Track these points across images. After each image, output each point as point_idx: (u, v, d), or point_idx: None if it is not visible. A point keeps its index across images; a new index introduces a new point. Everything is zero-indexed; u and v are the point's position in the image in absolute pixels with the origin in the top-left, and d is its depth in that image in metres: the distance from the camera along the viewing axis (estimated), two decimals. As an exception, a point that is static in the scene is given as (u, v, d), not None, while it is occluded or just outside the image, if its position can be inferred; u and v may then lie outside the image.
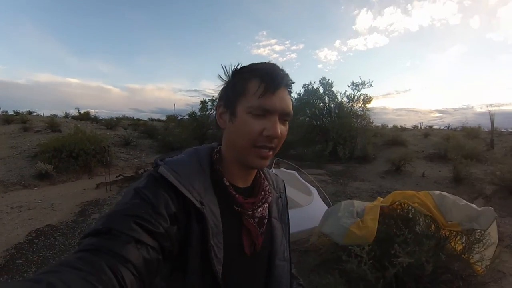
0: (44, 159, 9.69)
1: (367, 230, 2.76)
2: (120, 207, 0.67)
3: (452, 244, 3.02)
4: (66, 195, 7.89)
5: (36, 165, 9.29)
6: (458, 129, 23.32)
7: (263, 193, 0.92)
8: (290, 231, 1.04)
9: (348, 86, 16.27)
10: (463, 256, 2.95)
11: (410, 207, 3.09)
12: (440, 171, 11.00)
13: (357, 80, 16.04)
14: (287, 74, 0.82)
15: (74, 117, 24.01)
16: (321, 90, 16.48)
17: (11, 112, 23.44)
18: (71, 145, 10.47)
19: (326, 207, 4.59)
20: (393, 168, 11.55)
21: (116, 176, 9.23)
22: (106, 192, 8.13)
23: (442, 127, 28.41)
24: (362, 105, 16.07)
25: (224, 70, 0.86)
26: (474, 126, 19.94)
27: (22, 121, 16.90)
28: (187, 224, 0.73)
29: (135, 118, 30.93)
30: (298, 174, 6.64)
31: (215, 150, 0.91)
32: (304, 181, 6.11)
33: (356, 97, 16.11)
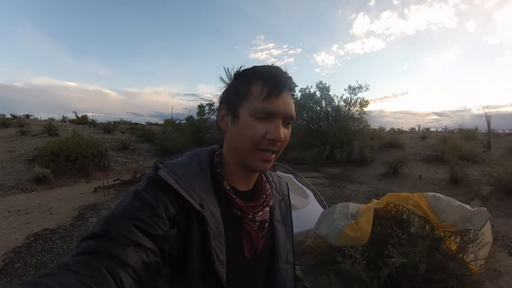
0: (41, 163, 9.68)
1: (361, 232, 2.80)
2: (119, 210, 0.66)
3: (447, 244, 3.06)
4: (64, 199, 7.88)
5: (33, 169, 9.28)
6: (455, 131, 23.39)
7: (264, 196, 0.91)
8: None
9: (345, 90, 16.33)
10: (458, 256, 2.99)
11: (404, 208, 3.14)
12: (437, 172, 11.03)
13: (354, 84, 16.07)
14: (290, 77, 0.82)
15: (71, 121, 24.02)
16: (318, 94, 16.56)
17: (8, 116, 23.42)
18: (68, 149, 10.46)
19: (322, 210, 4.63)
20: (390, 171, 11.55)
21: (114, 180, 9.23)
22: (104, 196, 8.12)
23: (439, 129, 28.50)
24: (359, 109, 16.10)
25: (226, 72, 0.86)
26: (471, 128, 20.03)
27: (20, 124, 16.91)
28: (187, 227, 0.73)
29: (132, 122, 30.89)
30: (294, 177, 6.67)
31: (217, 152, 0.90)
32: (300, 184, 6.15)
33: (353, 100, 16.15)
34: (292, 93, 0.84)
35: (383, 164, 12.25)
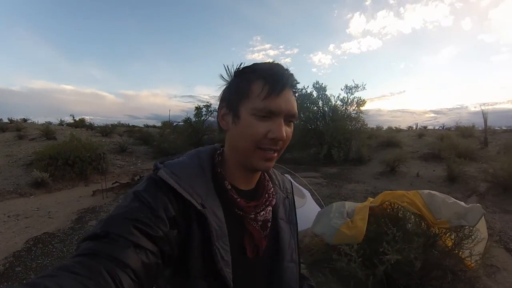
0: (39, 167, 9.67)
1: (357, 230, 2.83)
2: (119, 211, 0.66)
3: (443, 241, 3.09)
4: (63, 202, 7.89)
5: (32, 173, 9.27)
6: (453, 129, 23.51)
7: (266, 195, 0.90)
8: None
9: (342, 90, 16.40)
10: (454, 252, 3.02)
11: (399, 206, 3.17)
12: (434, 170, 11.11)
13: (351, 84, 16.15)
14: (291, 74, 0.80)
15: (69, 124, 23.95)
16: (314, 94, 16.62)
17: (5, 120, 23.31)
18: (66, 152, 10.47)
19: (319, 209, 4.65)
20: (387, 169, 11.66)
21: (112, 183, 9.23)
22: (102, 199, 8.13)
23: (436, 127, 28.63)
24: (356, 108, 16.17)
25: (226, 70, 0.84)
26: (468, 125, 20.24)
27: (17, 129, 16.85)
28: (187, 227, 0.72)
29: (130, 124, 30.90)
30: (291, 177, 6.71)
31: (218, 152, 0.89)
32: (297, 184, 6.18)
33: (349, 100, 16.23)
34: (294, 90, 0.82)
35: (381, 163, 12.32)
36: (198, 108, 18.88)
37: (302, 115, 16.22)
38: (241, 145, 0.79)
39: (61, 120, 25.64)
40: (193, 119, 18.86)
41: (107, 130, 19.90)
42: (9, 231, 5.76)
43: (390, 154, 12.69)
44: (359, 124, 15.99)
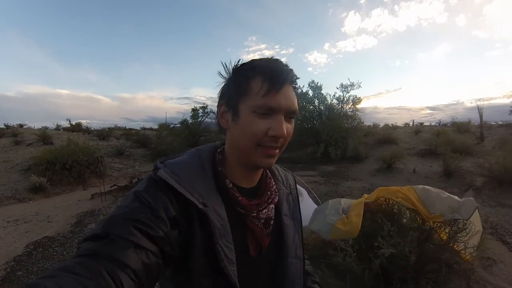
0: (37, 172, 9.66)
1: (351, 226, 2.87)
2: (120, 211, 0.66)
3: (438, 234, 3.13)
4: (62, 207, 7.89)
5: (29, 178, 9.27)
6: (449, 125, 23.59)
7: (269, 193, 0.89)
8: None
9: (337, 88, 16.41)
10: (449, 245, 3.06)
11: (394, 202, 3.21)
12: (431, 166, 11.20)
13: (346, 82, 16.17)
14: (291, 70, 0.79)
15: (65, 129, 23.82)
16: (310, 93, 16.63)
17: (1, 126, 23.19)
18: (64, 157, 10.46)
19: (316, 207, 4.70)
20: (384, 166, 11.72)
21: (111, 186, 9.24)
22: (101, 202, 8.14)
23: (433, 124, 28.70)
24: (352, 106, 16.19)
25: (224, 67, 0.83)
26: (464, 121, 20.35)
27: (13, 134, 16.74)
28: (189, 227, 0.72)
29: (127, 127, 30.83)
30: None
31: (218, 150, 0.89)
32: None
33: (345, 98, 16.25)
34: (294, 86, 0.81)
35: (377, 160, 12.37)
36: (194, 110, 18.96)
37: (298, 114, 16.17)
38: (241, 143, 0.78)
39: (57, 124, 25.49)
40: (190, 121, 18.90)
41: (104, 134, 19.87)
42: (9, 236, 5.78)
43: (387, 151, 12.81)
44: (356, 122, 16.00)
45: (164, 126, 22.13)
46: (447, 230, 3.09)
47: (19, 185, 9.41)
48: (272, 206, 0.88)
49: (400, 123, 29.25)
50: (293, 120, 0.82)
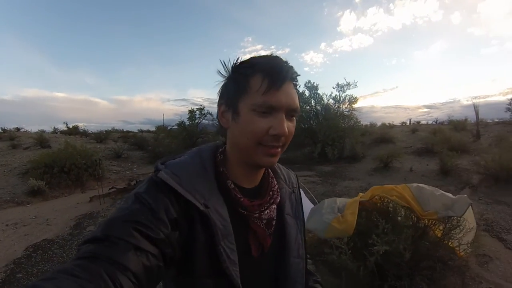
0: (35, 176, 9.65)
1: (347, 224, 2.89)
2: (120, 213, 0.65)
3: (433, 231, 3.17)
4: (60, 210, 7.91)
5: (28, 181, 9.26)
6: (445, 123, 23.68)
7: (271, 193, 0.88)
8: None
9: (333, 88, 16.43)
10: (443, 242, 3.10)
11: (389, 200, 3.24)
12: (427, 164, 11.23)
13: (342, 82, 16.21)
14: (291, 67, 0.78)
15: (62, 132, 23.76)
16: (307, 93, 16.64)
17: (-2, 129, 23.13)
18: (62, 160, 10.46)
19: (313, 207, 4.73)
20: (381, 165, 11.75)
21: (109, 189, 9.26)
22: (100, 205, 8.16)
23: (430, 122, 28.77)
24: (348, 106, 16.21)
25: (223, 66, 0.81)
26: (461, 118, 20.43)
27: (10, 138, 16.69)
28: (190, 228, 0.72)
29: (124, 130, 30.73)
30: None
31: (220, 150, 0.88)
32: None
33: (341, 98, 16.28)
34: (295, 83, 0.80)
35: (374, 159, 12.39)
36: (191, 112, 18.98)
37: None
38: (242, 143, 0.77)
39: (54, 128, 25.45)
40: (187, 123, 18.94)
41: (101, 137, 19.87)
42: (8, 239, 5.79)
43: (384, 150, 12.81)
44: (352, 122, 16.00)
45: (162, 128, 22.13)
46: (441, 227, 3.13)
47: (17, 188, 9.40)
48: (274, 206, 0.88)
49: (397, 122, 29.34)
50: (294, 118, 0.81)
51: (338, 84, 16.21)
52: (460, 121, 19.58)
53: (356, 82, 16.08)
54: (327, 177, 11.21)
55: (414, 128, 20.90)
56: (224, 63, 0.81)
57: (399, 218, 3.16)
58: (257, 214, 0.82)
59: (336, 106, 16.36)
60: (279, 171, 1.00)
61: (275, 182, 0.93)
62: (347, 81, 16.07)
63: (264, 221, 0.83)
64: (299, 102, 0.80)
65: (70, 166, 10.43)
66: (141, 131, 30.80)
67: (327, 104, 16.50)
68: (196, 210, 0.71)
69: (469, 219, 3.21)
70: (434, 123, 27.45)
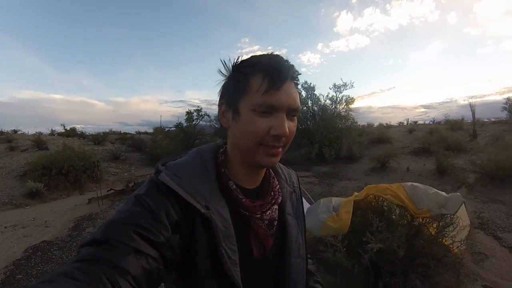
0: (34, 178, 9.64)
1: (341, 223, 2.94)
2: (120, 216, 0.65)
3: (427, 229, 3.22)
4: (59, 211, 7.93)
5: (26, 184, 9.25)
6: (442, 123, 23.74)
7: (272, 193, 0.88)
8: None
9: (330, 89, 16.52)
10: (438, 240, 3.14)
11: (383, 199, 3.29)
12: (424, 164, 11.27)
13: (339, 82, 16.30)
14: (292, 66, 0.77)
15: (60, 134, 23.64)
16: (303, 94, 16.71)
17: (-5, 132, 23.02)
18: (60, 162, 10.45)
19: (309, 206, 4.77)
20: (378, 165, 11.79)
21: (107, 191, 9.28)
22: (98, 207, 8.19)
23: (427, 122, 28.84)
24: (345, 106, 16.31)
25: (223, 65, 0.80)
26: (458, 118, 20.60)
27: (8, 140, 16.56)
28: (191, 230, 0.71)
29: (121, 132, 30.66)
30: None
31: (221, 150, 0.87)
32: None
33: (338, 99, 16.37)
34: (296, 82, 0.79)
35: (372, 159, 12.44)
36: (189, 113, 19.01)
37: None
38: (243, 143, 0.76)
39: (51, 130, 25.36)
40: (185, 124, 18.95)
41: (99, 138, 19.83)
42: (7, 241, 5.82)
43: (381, 150, 12.89)
44: (349, 122, 16.08)
45: (159, 130, 22.13)
46: (435, 225, 3.17)
47: (16, 190, 9.40)
48: (276, 206, 0.87)
49: (394, 122, 29.36)
50: (295, 118, 0.80)
51: (335, 85, 16.33)
52: (456, 121, 19.75)
53: (353, 83, 16.23)
54: (324, 177, 11.26)
55: (411, 128, 20.95)
56: (225, 62, 0.80)
57: (393, 216, 3.20)
58: (259, 215, 0.81)
59: (333, 106, 16.45)
60: (280, 170, 0.99)
61: (277, 182, 0.93)
62: (344, 81, 16.20)
63: (266, 222, 0.83)
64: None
65: (68, 168, 10.42)
66: (138, 132, 30.74)
67: (324, 105, 16.59)
68: (197, 212, 0.71)
69: (463, 216, 3.25)
70: (431, 123, 27.51)
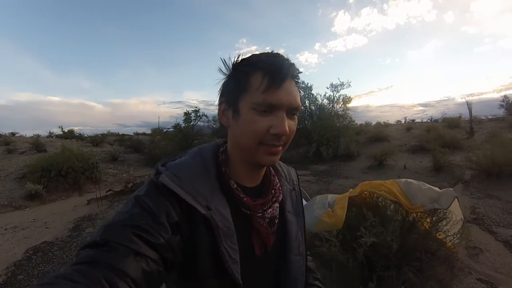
0: (33, 180, 9.65)
1: (336, 218, 3.00)
2: (120, 217, 0.65)
3: (421, 224, 3.28)
4: (58, 213, 7.95)
5: (25, 186, 9.27)
6: (440, 121, 23.84)
7: (273, 191, 0.88)
8: None
9: (327, 88, 16.55)
10: (432, 234, 3.20)
11: (377, 195, 3.35)
12: (421, 162, 11.37)
13: (336, 82, 16.32)
14: (292, 64, 0.76)
15: (58, 136, 23.53)
16: (301, 93, 16.63)
17: (-7, 135, 22.94)
18: (59, 164, 10.46)
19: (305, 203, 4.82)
20: (375, 163, 11.87)
21: (106, 191, 9.30)
22: (97, 207, 8.20)
23: (425, 120, 28.91)
24: (343, 105, 16.33)
25: (224, 63, 0.80)
26: (455, 116, 20.70)
27: (6, 143, 16.51)
28: (193, 230, 0.71)
29: (120, 133, 30.58)
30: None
31: (221, 149, 0.86)
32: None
33: (335, 98, 16.40)
34: (296, 80, 0.78)
35: (369, 157, 12.52)
36: (187, 114, 18.99)
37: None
38: (243, 142, 0.76)
39: (50, 132, 25.28)
40: (183, 125, 18.94)
41: (97, 140, 19.78)
42: (7, 243, 5.85)
43: (378, 148, 12.94)
44: (347, 121, 16.10)
45: (157, 131, 22.09)
46: (429, 220, 3.23)
47: (15, 193, 9.42)
48: (277, 205, 0.87)
49: (392, 120, 29.42)
50: (295, 116, 0.80)
51: (332, 84, 16.34)
52: (454, 119, 19.86)
53: (350, 82, 16.23)
54: (321, 176, 11.32)
55: (408, 126, 21.05)
56: (225, 60, 0.80)
57: (388, 212, 3.26)
58: (260, 213, 0.82)
59: (331, 106, 16.48)
60: (280, 168, 1.00)
61: (277, 180, 0.93)
62: (341, 81, 16.23)
63: (267, 220, 0.83)
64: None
65: (67, 169, 10.44)
66: (137, 134, 30.66)
67: (322, 104, 16.63)
68: (198, 212, 0.70)
69: (456, 211, 3.32)
70: (428, 121, 27.59)
